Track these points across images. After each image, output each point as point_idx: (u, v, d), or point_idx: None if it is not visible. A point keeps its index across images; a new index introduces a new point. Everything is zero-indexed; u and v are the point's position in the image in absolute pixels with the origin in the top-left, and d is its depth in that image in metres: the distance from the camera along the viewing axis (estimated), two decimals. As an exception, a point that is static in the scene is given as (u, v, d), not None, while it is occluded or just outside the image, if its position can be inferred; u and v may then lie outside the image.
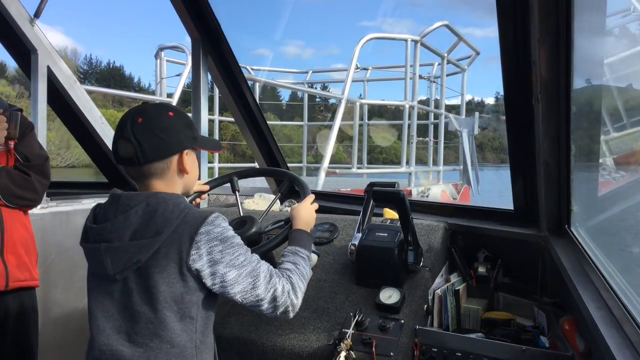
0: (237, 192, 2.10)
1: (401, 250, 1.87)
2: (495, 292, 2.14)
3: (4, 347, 2.04)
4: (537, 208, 1.83)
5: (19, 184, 2.02)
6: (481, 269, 2.16)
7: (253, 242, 1.91)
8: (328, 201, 2.95)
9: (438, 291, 1.94)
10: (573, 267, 1.53)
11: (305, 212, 1.75)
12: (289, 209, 2.76)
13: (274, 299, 1.41)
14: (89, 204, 2.74)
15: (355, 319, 1.73)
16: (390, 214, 2.40)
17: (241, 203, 2.09)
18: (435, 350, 1.73)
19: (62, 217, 2.59)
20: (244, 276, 1.39)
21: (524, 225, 2.02)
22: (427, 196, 5.79)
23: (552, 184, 1.62)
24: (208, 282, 1.36)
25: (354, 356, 1.66)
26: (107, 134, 2.92)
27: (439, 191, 6.19)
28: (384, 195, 1.81)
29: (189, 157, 1.49)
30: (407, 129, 5.65)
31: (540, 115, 1.44)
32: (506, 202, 2.23)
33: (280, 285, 1.43)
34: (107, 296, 1.39)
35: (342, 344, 1.66)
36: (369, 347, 1.67)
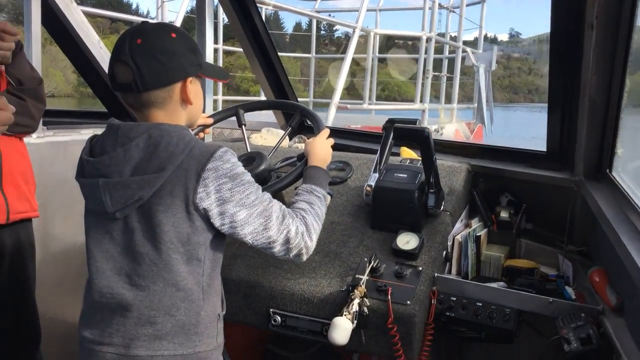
0: (243, 126, 1.95)
1: (422, 193, 1.73)
2: (518, 238, 2.01)
3: (0, 282, 1.96)
4: (573, 150, 1.67)
5: (14, 109, 1.88)
6: (504, 214, 2.02)
7: (262, 180, 1.78)
8: (340, 138, 2.78)
9: (458, 237, 1.81)
10: (614, 213, 1.39)
11: (321, 148, 1.61)
12: (298, 145, 2.61)
13: (287, 240, 1.32)
14: (87, 134, 2.56)
15: (370, 265, 1.62)
16: (409, 153, 2.24)
17: (248, 138, 1.94)
18: (454, 299, 1.63)
19: (60, 147, 2.45)
20: (255, 216, 1.28)
21: (556, 169, 1.87)
22: (441, 135, 5.60)
23: (597, 124, 1.46)
24: (217, 222, 1.26)
25: (368, 303, 1.56)
26: (105, 60, 2.73)
27: (453, 130, 5.99)
28: (407, 132, 1.65)
29: (193, 85, 1.35)
30: (424, 62, 5.35)
31: (593, 44, 1.25)
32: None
33: (294, 227, 1.33)
34: (107, 235, 1.29)
35: (355, 290, 1.56)
36: (384, 295, 1.57)
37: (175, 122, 1.35)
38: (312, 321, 1.64)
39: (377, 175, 1.83)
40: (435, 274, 1.65)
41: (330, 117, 4.02)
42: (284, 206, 1.37)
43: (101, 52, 2.71)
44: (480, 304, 1.59)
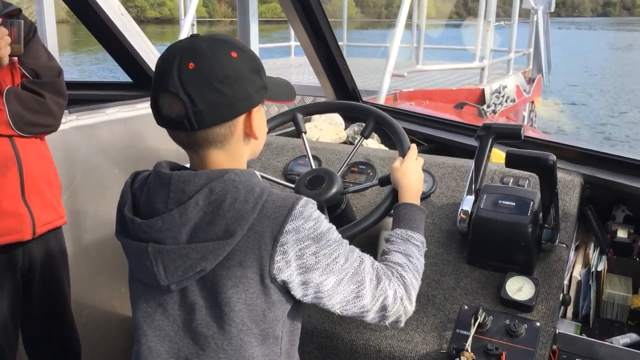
0: (303, 134, 1.65)
1: (535, 226, 1.41)
2: (633, 261, 1.67)
3: (33, 299, 1.80)
4: None
5: (33, 108, 1.64)
6: (621, 234, 1.68)
7: (333, 206, 1.50)
8: (405, 121, 2.44)
9: (576, 275, 1.50)
10: None
11: (414, 177, 1.33)
12: (357, 136, 2.28)
13: (383, 307, 1.08)
14: (113, 114, 2.35)
15: (477, 322, 1.33)
16: (499, 156, 1.90)
17: (308, 146, 1.64)
18: (580, 360, 1.33)
19: (85, 131, 2.21)
20: (345, 283, 1.04)
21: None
22: (503, 96, 5.12)
23: None
24: (298, 293, 1.03)
25: (477, 371, 1.28)
26: (126, 27, 2.41)
27: (513, 86, 5.46)
28: (524, 160, 1.31)
29: (258, 114, 1.07)
30: (484, 10, 4.74)
31: None
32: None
33: (392, 291, 1.08)
34: (159, 309, 1.06)
35: (461, 356, 1.28)
36: (495, 360, 1.29)
37: (238, 162, 1.08)
38: None
39: (471, 198, 1.51)
40: (557, 331, 1.35)
41: (384, 88, 3.62)
42: (376, 263, 1.10)
43: (122, 19, 2.39)
44: (613, 368, 1.30)
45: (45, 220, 1.74)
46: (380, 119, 1.57)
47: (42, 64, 1.69)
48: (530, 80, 7.72)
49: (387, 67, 3.52)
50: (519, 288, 1.38)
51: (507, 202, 1.44)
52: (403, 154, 1.41)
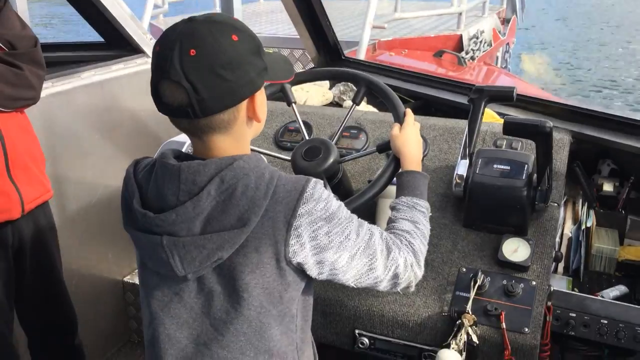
0: (293, 104, 1.64)
1: (530, 189, 1.44)
2: (624, 216, 1.74)
3: (25, 275, 1.79)
4: None
5: (11, 81, 1.59)
6: (607, 187, 1.74)
7: (331, 175, 1.51)
8: (390, 78, 2.42)
9: (567, 232, 1.55)
10: None
11: (414, 143, 1.35)
12: (343, 97, 2.26)
13: (395, 276, 1.12)
14: (89, 77, 2.29)
15: (477, 285, 1.38)
16: (491, 116, 1.92)
17: (297, 112, 1.63)
18: (574, 315, 1.40)
19: (62, 98, 2.15)
20: (358, 257, 1.07)
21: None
22: (481, 42, 5.08)
23: None
24: (313, 272, 1.05)
25: (479, 332, 1.34)
26: None
27: (490, 30, 5.41)
28: (521, 128, 1.33)
29: (260, 96, 1.05)
30: None
31: None
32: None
33: (402, 258, 1.12)
34: (175, 297, 1.07)
35: (464, 318, 1.33)
36: (495, 321, 1.35)
37: (242, 145, 1.07)
38: (408, 346, 1.44)
39: (466, 162, 1.54)
40: (552, 288, 1.41)
41: (365, 42, 3.53)
42: (384, 233, 1.14)
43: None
44: (605, 322, 1.37)
45: (32, 196, 1.71)
46: (372, 85, 1.56)
47: (17, 34, 1.62)
48: (505, 21, 7.66)
49: (367, 18, 3.43)
50: (514, 249, 1.43)
51: (502, 166, 1.47)
52: (399, 120, 1.41)
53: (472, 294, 1.37)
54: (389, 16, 4.10)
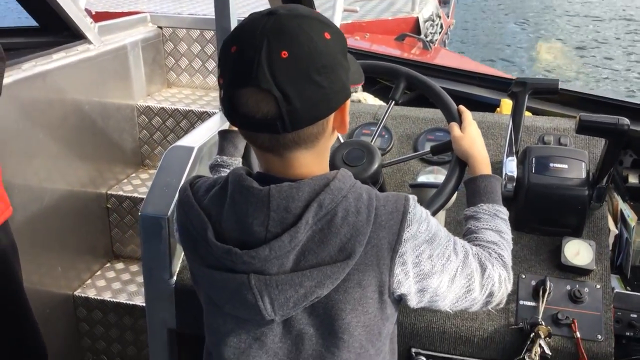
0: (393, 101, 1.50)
1: (590, 188, 1.38)
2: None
3: None
4: None
5: None
6: (632, 179, 1.72)
7: (375, 182, 1.38)
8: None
9: (614, 229, 1.51)
10: None
11: (481, 142, 1.24)
12: (359, 95, 2.12)
13: (490, 294, 1.02)
14: (30, 69, 2.06)
15: (547, 292, 1.30)
16: (509, 107, 1.84)
17: None
18: (635, 316, 1.36)
19: (4, 95, 1.90)
20: (458, 279, 0.96)
21: None
22: (437, 25, 5.05)
23: None
24: (413, 301, 0.94)
25: (551, 344, 1.27)
26: None
27: (439, 12, 5.38)
28: (599, 125, 1.25)
29: (347, 103, 0.91)
30: None
31: None
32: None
33: (496, 274, 1.01)
34: (255, 344, 0.92)
35: (537, 330, 1.25)
36: (567, 329, 1.28)
37: (324, 161, 0.94)
38: None
39: (513, 160, 1.45)
40: (616, 290, 1.36)
41: (337, 24, 3.32)
42: (473, 247, 1.02)
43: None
44: (667, 321, 1.34)
45: None
46: (414, 80, 1.43)
47: None
48: (442, 3, 7.71)
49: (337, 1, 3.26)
50: (576, 252, 1.37)
51: (560, 165, 1.40)
52: (454, 119, 1.30)
53: (543, 304, 1.29)
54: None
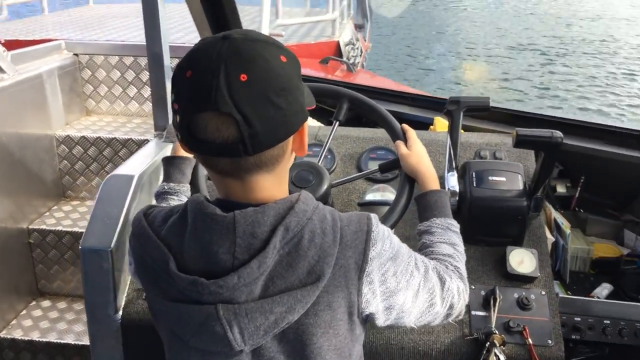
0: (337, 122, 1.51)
1: (528, 199, 1.44)
2: (574, 214, 1.84)
3: None
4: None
5: None
6: (560, 189, 1.83)
7: (324, 201, 1.38)
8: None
9: (550, 236, 1.58)
10: None
11: (427, 159, 1.28)
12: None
13: (450, 307, 1.03)
14: None
15: (497, 302, 1.34)
16: (442, 125, 1.91)
17: None
18: (578, 319, 1.42)
19: None
20: (420, 294, 0.97)
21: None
22: (357, 48, 5.19)
23: None
24: (380, 320, 0.93)
25: (506, 351, 1.30)
26: None
27: (356, 36, 5.53)
28: (534, 139, 1.31)
29: (306, 125, 0.91)
30: None
31: None
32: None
33: (455, 286, 1.03)
34: None
35: (493, 340, 1.28)
36: (519, 337, 1.32)
37: (284, 184, 0.92)
38: None
39: (453, 174, 1.49)
40: (560, 295, 1.42)
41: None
42: (432, 262, 1.04)
43: None
44: (608, 322, 1.42)
45: None
46: (356, 101, 1.45)
47: None
48: (357, 27, 7.94)
49: (262, 24, 3.27)
50: (520, 261, 1.41)
51: (498, 178, 1.45)
52: (398, 137, 1.33)
53: (495, 313, 1.33)
54: (272, 23, 3.97)
